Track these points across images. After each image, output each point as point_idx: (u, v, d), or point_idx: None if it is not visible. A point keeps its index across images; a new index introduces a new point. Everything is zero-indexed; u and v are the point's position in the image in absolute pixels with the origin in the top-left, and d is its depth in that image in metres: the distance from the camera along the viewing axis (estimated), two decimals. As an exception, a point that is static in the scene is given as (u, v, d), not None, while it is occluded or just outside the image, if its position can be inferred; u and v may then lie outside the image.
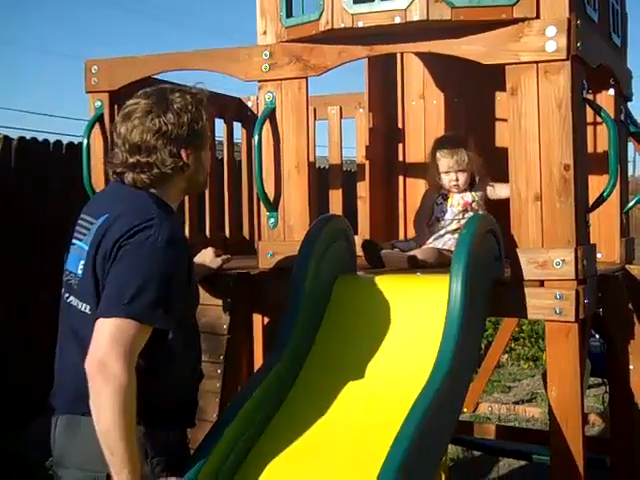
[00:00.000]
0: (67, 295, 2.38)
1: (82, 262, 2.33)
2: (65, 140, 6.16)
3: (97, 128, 3.59)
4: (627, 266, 3.72)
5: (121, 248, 2.24)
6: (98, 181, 3.55)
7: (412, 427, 2.22)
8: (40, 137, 6.07)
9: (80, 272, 2.33)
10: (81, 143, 3.64)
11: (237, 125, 4.52)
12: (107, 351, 2.11)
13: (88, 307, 2.29)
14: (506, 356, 8.25)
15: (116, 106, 3.59)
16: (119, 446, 2.11)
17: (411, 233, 4.55)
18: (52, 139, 6.08)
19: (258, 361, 3.59)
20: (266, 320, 3.59)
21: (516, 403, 6.87)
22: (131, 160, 2.37)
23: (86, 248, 2.32)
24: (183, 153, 2.40)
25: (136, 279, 2.19)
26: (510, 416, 6.44)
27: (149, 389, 2.22)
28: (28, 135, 5.97)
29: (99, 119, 3.58)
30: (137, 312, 2.16)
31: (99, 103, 3.59)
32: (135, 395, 2.13)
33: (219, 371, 3.10)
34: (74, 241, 2.42)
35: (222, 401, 3.05)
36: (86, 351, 2.16)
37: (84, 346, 2.18)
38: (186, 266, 2.35)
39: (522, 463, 5.12)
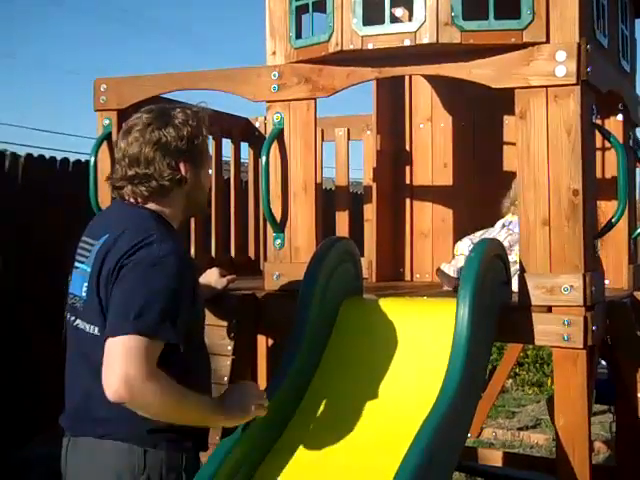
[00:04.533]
0: (73, 318, 2.36)
1: (85, 284, 2.31)
2: (72, 158, 6.17)
3: (105, 146, 3.59)
4: (635, 293, 3.69)
5: (123, 267, 2.22)
6: (105, 199, 3.54)
7: (419, 451, 2.19)
8: (47, 154, 6.09)
9: (84, 294, 2.31)
10: (88, 161, 3.64)
11: (244, 145, 4.52)
12: (124, 373, 2.07)
13: (96, 329, 2.26)
14: (510, 381, 8.20)
15: (124, 125, 3.60)
16: (193, 419, 2.24)
17: (417, 257, 4.54)
18: (59, 156, 6.10)
19: (262, 383, 3.56)
20: (270, 342, 3.57)
21: (520, 429, 6.81)
22: (130, 173, 2.36)
23: (88, 270, 2.31)
24: (182, 166, 2.38)
25: (140, 295, 2.17)
26: (514, 442, 6.38)
27: None
28: (36, 152, 5.99)
29: (107, 137, 3.58)
30: (144, 327, 2.13)
31: (107, 121, 3.59)
32: (173, 381, 2.15)
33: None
34: (76, 264, 2.40)
35: (225, 423, 3.02)
36: (98, 372, 2.14)
37: (96, 367, 2.16)
38: (190, 281, 2.33)
39: (526, 490, 5.07)
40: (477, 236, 3.65)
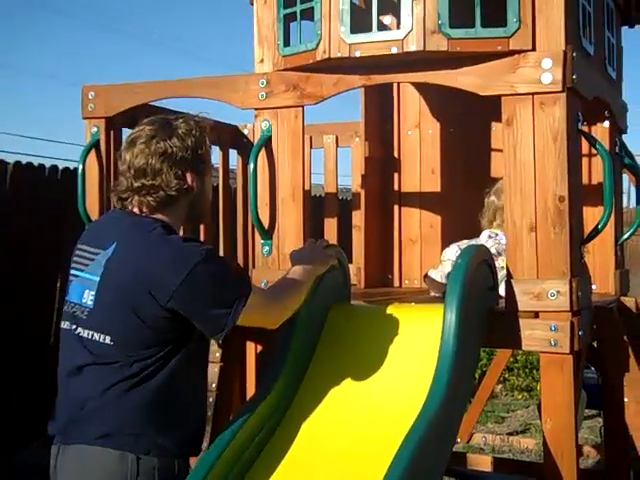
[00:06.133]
0: (74, 327, 2.35)
1: (91, 293, 2.32)
2: (61, 165, 6.16)
3: (93, 154, 3.59)
4: (622, 298, 3.72)
5: (182, 282, 2.25)
6: (92, 206, 3.55)
7: (406, 456, 2.19)
8: (36, 162, 6.08)
9: (90, 303, 2.31)
10: (76, 168, 3.64)
11: (233, 152, 4.52)
12: (272, 318, 2.53)
13: (107, 338, 2.28)
14: (500, 386, 8.22)
15: (112, 132, 3.60)
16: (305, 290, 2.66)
17: (405, 263, 4.56)
18: (48, 164, 6.08)
19: (250, 390, 3.56)
20: (259, 348, 3.57)
21: (510, 434, 6.82)
22: (136, 184, 2.40)
23: (96, 279, 2.32)
24: (188, 176, 2.43)
25: (221, 284, 2.31)
26: (504, 447, 6.39)
27: (176, 411, 2.30)
28: (24, 159, 5.98)
29: (95, 145, 3.59)
30: (245, 293, 2.35)
31: (95, 129, 3.59)
32: (278, 289, 2.61)
33: (211, 399, 3.08)
34: (75, 272, 2.40)
35: (213, 430, 3.03)
36: (98, 379, 2.23)
37: (97, 375, 2.23)
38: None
39: (516, 496, 5.08)
40: (464, 243, 3.67)
